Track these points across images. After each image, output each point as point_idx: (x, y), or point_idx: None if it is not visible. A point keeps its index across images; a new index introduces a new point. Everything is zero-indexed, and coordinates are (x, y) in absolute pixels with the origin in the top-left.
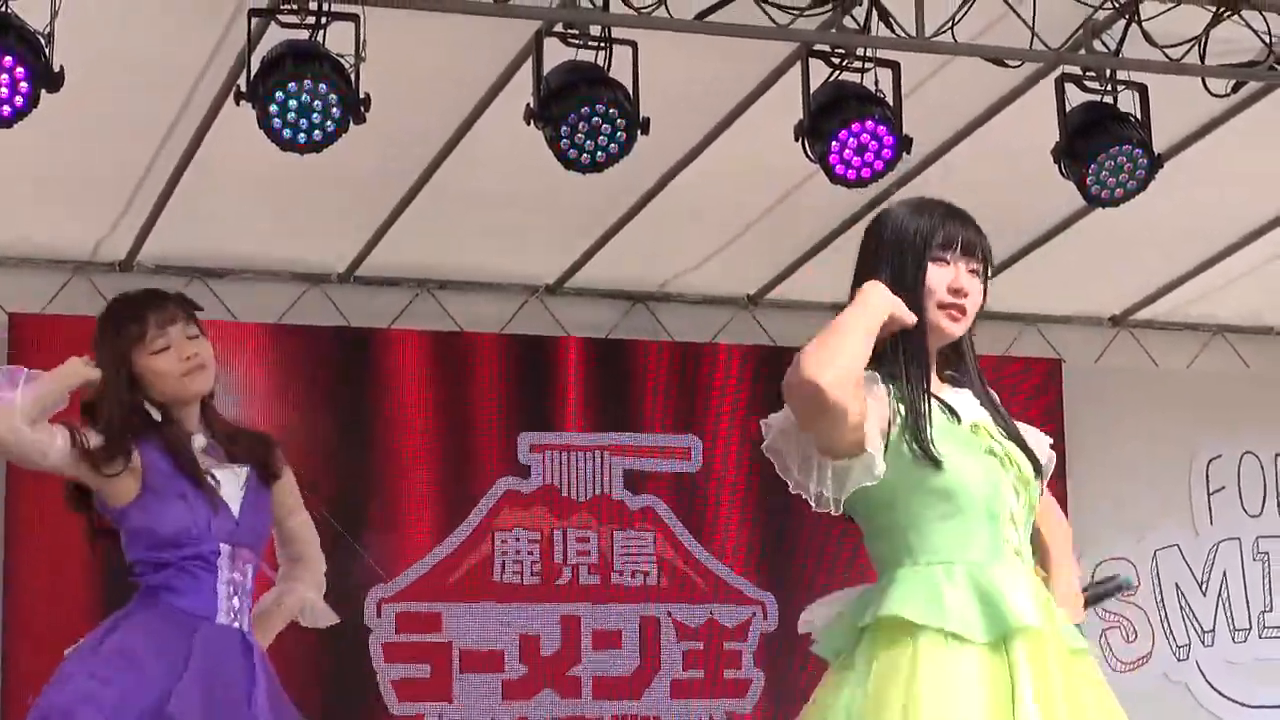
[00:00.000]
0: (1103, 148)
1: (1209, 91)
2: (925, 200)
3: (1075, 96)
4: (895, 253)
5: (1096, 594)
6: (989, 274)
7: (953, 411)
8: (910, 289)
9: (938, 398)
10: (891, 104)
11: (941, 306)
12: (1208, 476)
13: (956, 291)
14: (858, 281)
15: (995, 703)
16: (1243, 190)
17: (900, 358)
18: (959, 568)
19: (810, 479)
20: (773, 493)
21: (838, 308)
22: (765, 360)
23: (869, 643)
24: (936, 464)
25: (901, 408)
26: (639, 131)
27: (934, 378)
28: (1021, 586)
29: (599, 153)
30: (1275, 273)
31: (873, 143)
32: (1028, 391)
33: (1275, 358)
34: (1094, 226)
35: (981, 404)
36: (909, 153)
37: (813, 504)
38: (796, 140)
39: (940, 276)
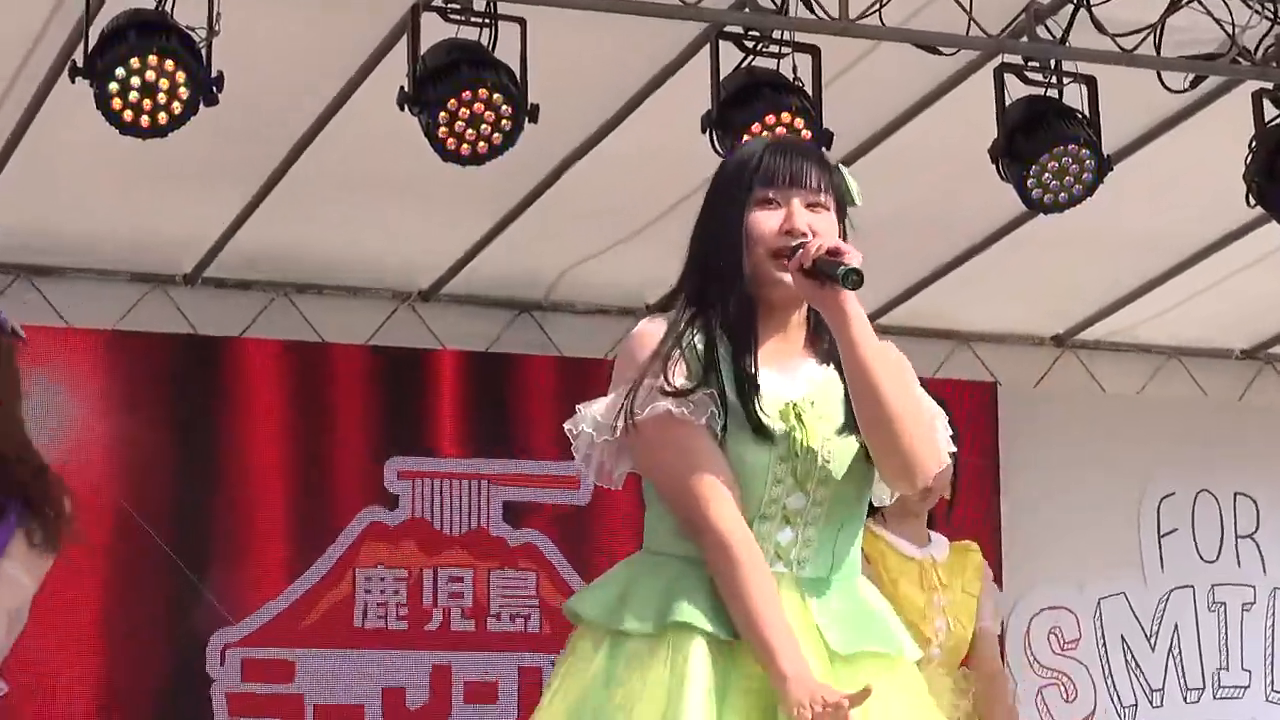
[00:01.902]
0: (1046, 147)
1: (1165, 86)
2: (757, 139)
3: (1016, 89)
4: (712, 205)
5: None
6: (844, 208)
7: (755, 387)
8: (731, 242)
9: (746, 366)
10: (810, 94)
11: (774, 254)
12: (1159, 517)
13: (790, 233)
14: (689, 262)
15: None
16: (1202, 197)
17: (717, 315)
18: (675, 563)
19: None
20: None
21: None
22: None
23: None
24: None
25: (696, 368)
26: (527, 119)
27: (787, 341)
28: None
29: (481, 142)
30: (1236, 289)
31: (793, 136)
32: (958, 418)
33: (1235, 384)
34: (1035, 235)
35: (830, 364)
36: (829, 148)
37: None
38: (704, 132)
39: (766, 220)
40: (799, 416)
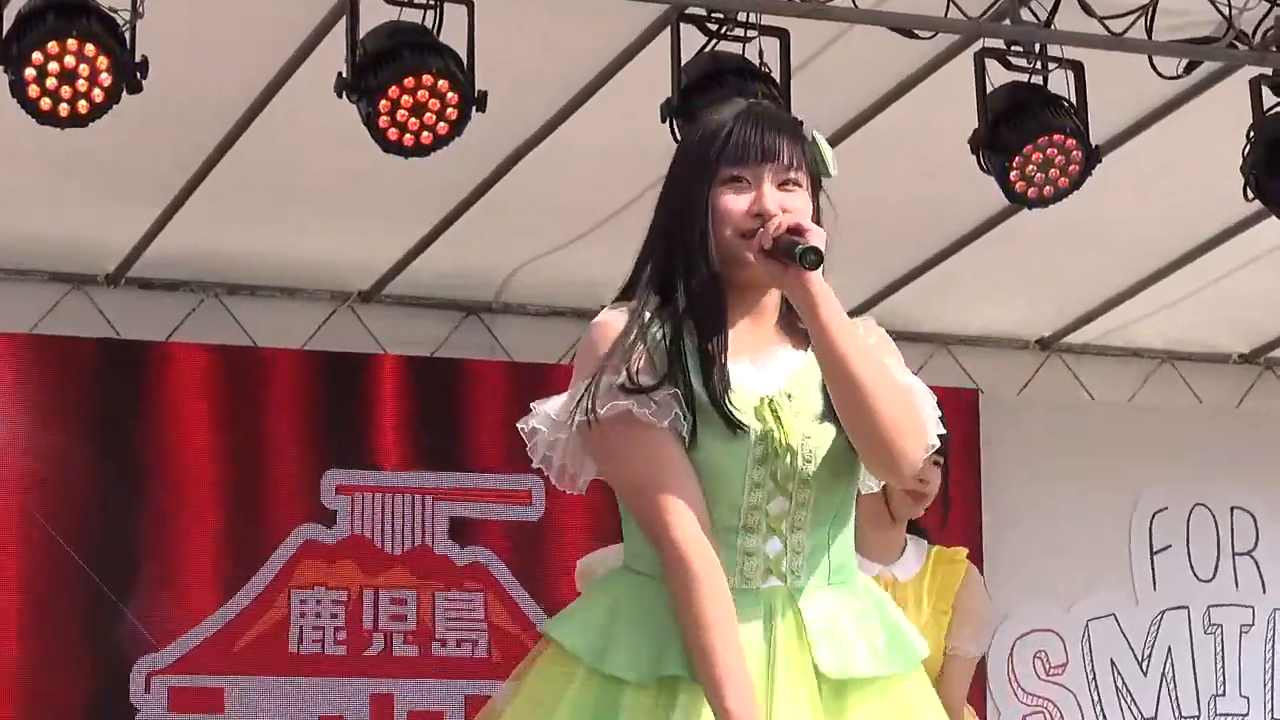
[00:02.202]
0: (1030, 137)
1: (1157, 72)
2: (722, 108)
3: (998, 75)
4: (677, 182)
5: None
6: (819, 182)
7: (726, 383)
8: (697, 224)
9: (715, 359)
10: (778, 80)
11: (744, 234)
12: (1151, 533)
13: (760, 215)
14: (651, 244)
15: None
16: (1197, 191)
17: (683, 302)
18: (663, 586)
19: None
20: None
21: None
22: None
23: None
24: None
25: (661, 362)
26: (474, 108)
27: (760, 327)
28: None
29: (425, 133)
30: (1234, 289)
31: None
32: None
33: (1232, 390)
34: (1019, 231)
35: (805, 349)
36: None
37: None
38: (664, 121)
39: (735, 201)
40: (776, 413)
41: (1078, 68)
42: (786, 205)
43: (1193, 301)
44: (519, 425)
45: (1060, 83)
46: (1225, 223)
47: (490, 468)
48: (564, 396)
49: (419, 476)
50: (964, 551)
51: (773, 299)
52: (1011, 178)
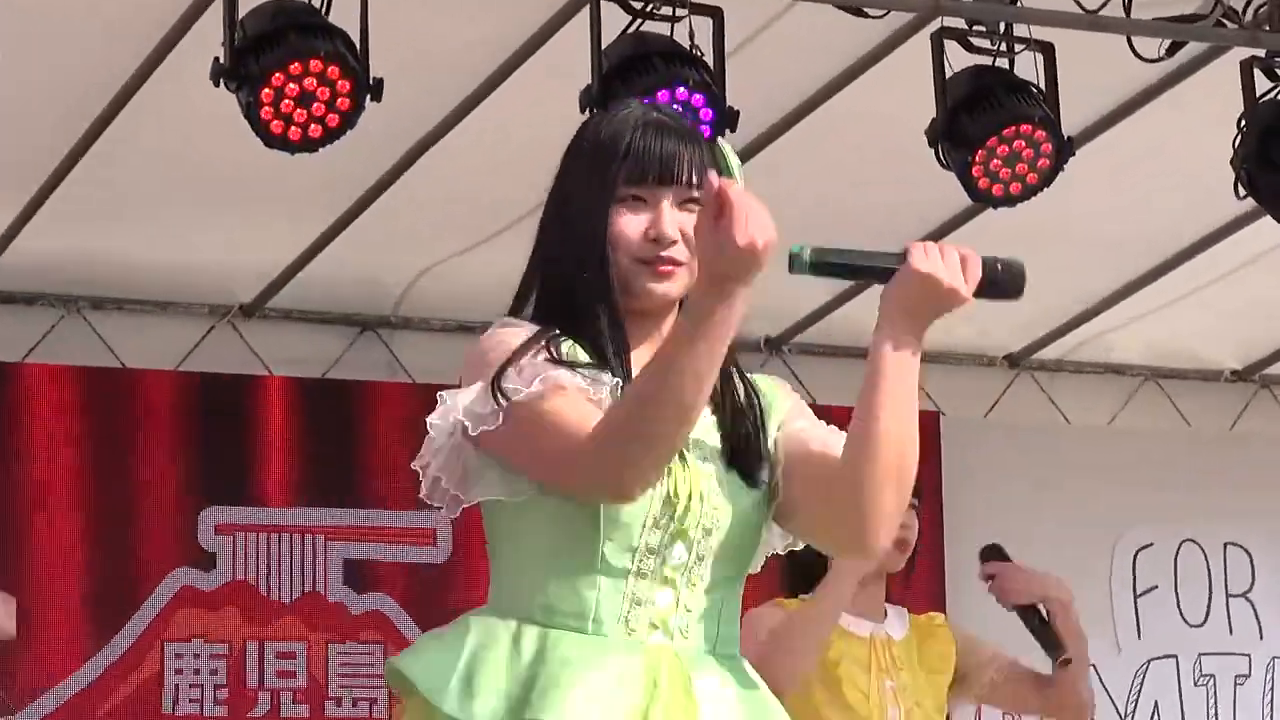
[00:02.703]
0: (994, 128)
1: (1136, 54)
2: (621, 108)
3: (958, 58)
4: (569, 198)
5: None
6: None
7: None
8: (595, 250)
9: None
10: (712, 65)
11: (642, 261)
12: (1134, 572)
13: (658, 240)
14: (543, 264)
15: None
16: (1182, 187)
17: (586, 333)
18: (532, 630)
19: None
20: None
21: None
22: None
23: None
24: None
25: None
26: (369, 97)
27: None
28: (604, 687)
29: (314, 125)
30: (1226, 297)
31: (686, 116)
32: None
33: (1225, 412)
34: (983, 233)
35: (713, 409)
36: (733, 129)
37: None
38: (584, 111)
39: (631, 225)
40: (681, 453)
41: (1048, 50)
42: (686, 227)
43: (1179, 311)
44: (430, 420)
45: (1028, 67)
46: (1215, 223)
47: (390, 503)
48: (475, 387)
49: (309, 513)
50: (940, 616)
51: (666, 328)
52: (974, 173)
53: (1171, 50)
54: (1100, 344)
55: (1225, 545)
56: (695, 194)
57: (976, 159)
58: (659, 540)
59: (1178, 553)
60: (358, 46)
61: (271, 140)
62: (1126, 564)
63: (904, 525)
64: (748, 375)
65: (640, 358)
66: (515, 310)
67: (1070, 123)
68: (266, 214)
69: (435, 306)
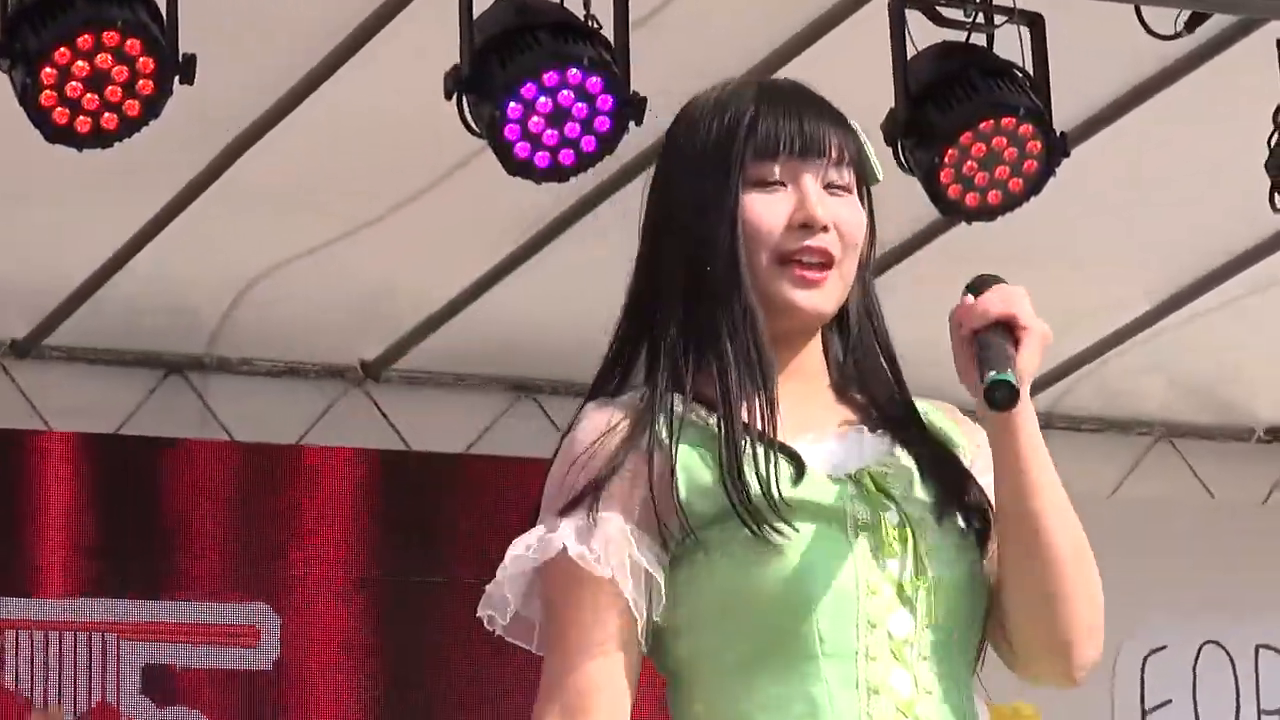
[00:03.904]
0: (968, 121)
1: (1147, 29)
2: (739, 83)
3: (924, 33)
4: (680, 191)
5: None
6: (867, 184)
7: (794, 458)
8: (715, 245)
9: (770, 439)
10: (613, 40)
11: (783, 260)
12: (1144, 683)
13: (807, 226)
14: (643, 265)
15: None
16: (1204, 197)
17: (713, 362)
18: None
19: None
20: None
21: (520, 385)
22: (391, 471)
23: None
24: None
25: (697, 457)
26: (177, 78)
27: (813, 393)
28: None
29: (107, 113)
30: (1257, 338)
31: (579, 105)
32: None
33: (1256, 480)
34: (953, 253)
35: (883, 430)
36: (639, 121)
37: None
38: (449, 97)
39: (769, 209)
40: (881, 487)
41: (1036, 23)
42: (840, 217)
43: (1201, 354)
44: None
45: (1011, 44)
46: (1246, 242)
47: (203, 593)
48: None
49: (99, 607)
50: (1029, 708)
51: (816, 347)
52: (943, 178)
53: (1191, 24)
54: (1102, 393)
55: (1257, 649)
56: (843, 175)
57: (946, 160)
58: (878, 607)
59: (1198, 658)
60: (164, 15)
61: (54, 132)
62: (1133, 672)
63: None
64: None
65: (789, 402)
66: (604, 376)
67: (1063, 115)
68: (45, 227)
69: (258, 344)
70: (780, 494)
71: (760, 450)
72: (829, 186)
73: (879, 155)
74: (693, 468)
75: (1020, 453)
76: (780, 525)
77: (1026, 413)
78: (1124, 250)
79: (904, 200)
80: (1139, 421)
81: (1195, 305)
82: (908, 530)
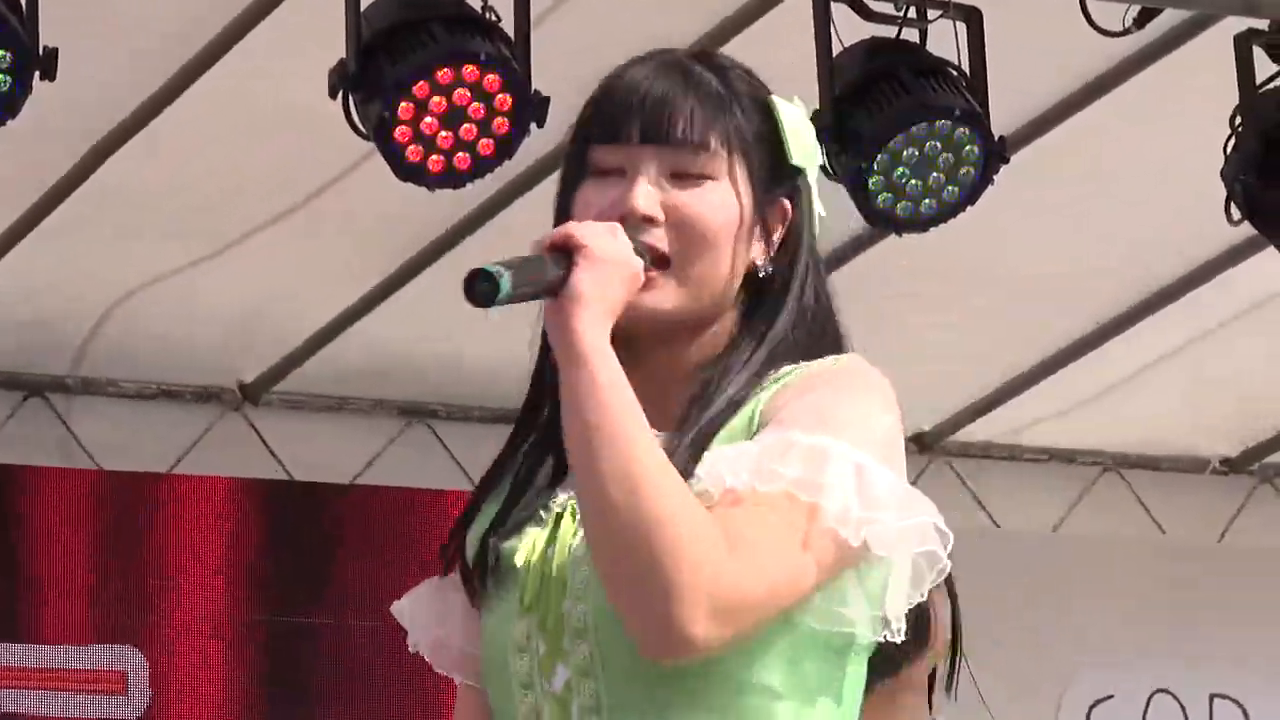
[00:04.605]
0: (898, 124)
1: (1093, 25)
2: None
3: (850, 29)
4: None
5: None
6: (745, 166)
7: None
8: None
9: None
10: (512, 34)
11: None
12: None
13: (625, 219)
14: None
15: None
16: (1154, 208)
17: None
18: None
19: None
20: None
21: (411, 410)
22: (271, 502)
23: None
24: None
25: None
26: (38, 73)
27: (666, 400)
28: None
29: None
30: (1212, 362)
31: (476, 105)
32: None
33: (1212, 515)
34: (883, 270)
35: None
36: (540, 122)
37: None
38: (334, 95)
39: (594, 200)
40: (556, 522)
41: (973, 17)
42: (682, 209)
43: (1151, 379)
44: None
45: (945, 40)
46: (1200, 257)
47: (64, 636)
48: None
49: None
50: None
51: (684, 351)
52: (871, 186)
53: (1141, 21)
54: (1042, 424)
55: (1211, 698)
56: (703, 160)
57: (874, 166)
58: (526, 666)
59: (1148, 708)
60: (23, 6)
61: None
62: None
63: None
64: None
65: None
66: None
67: (1002, 118)
68: None
69: (127, 363)
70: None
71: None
72: (677, 174)
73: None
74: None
75: (564, 372)
76: (481, 585)
77: (583, 332)
78: (1065, 267)
79: (831, 209)
80: (1083, 452)
81: (1142, 327)
82: (557, 560)
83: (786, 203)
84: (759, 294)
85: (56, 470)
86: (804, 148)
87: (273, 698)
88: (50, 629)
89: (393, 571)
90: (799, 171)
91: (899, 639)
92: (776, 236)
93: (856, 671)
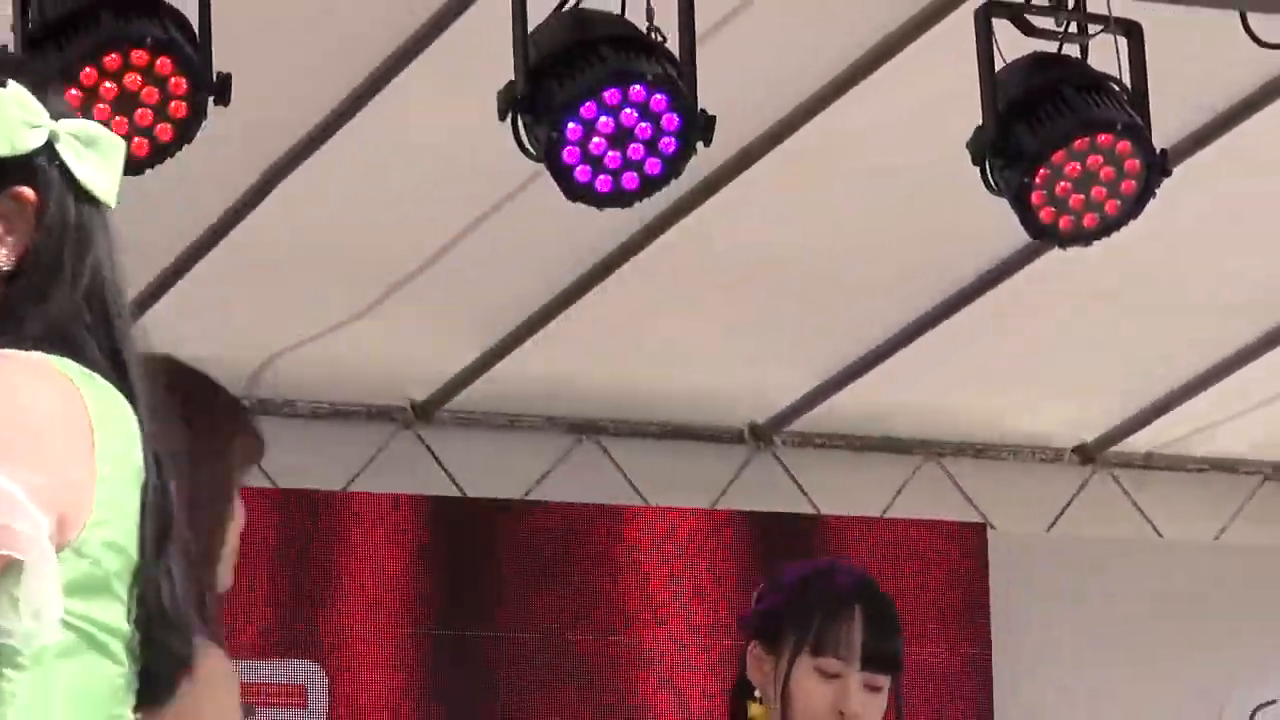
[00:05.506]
0: (1061, 139)
1: (1253, 38)
2: None
3: (1013, 44)
4: None
5: None
6: None
7: None
8: None
9: None
10: (678, 54)
11: None
12: None
13: None
14: None
15: None
16: None
17: None
18: None
19: None
20: None
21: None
22: (442, 517)
23: None
24: None
25: None
26: (212, 99)
27: None
28: None
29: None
30: None
31: (643, 124)
32: (932, 582)
33: None
34: (1047, 284)
35: None
36: (707, 142)
37: None
38: (503, 118)
39: None
40: None
41: (1134, 32)
42: None
43: None
44: None
45: (1107, 54)
46: None
47: (246, 648)
48: None
49: None
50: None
51: None
52: (1034, 200)
53: None
54: (1205, 435)
55: None
56: None
57: (1037, 181)
58: None
59: None
60: (196, 32)
61: None
62: None
63: (843, 712)
64: None
65: None
66: None
67: (1164, 131)
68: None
69: (303, 385)
70: None
71: None
72: None
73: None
74: None
75: None
76: None
77: None
78: (1227, 278)
79: (993, 223)
80: (1244, 462)
81: None
82: None
83: (27, 191)
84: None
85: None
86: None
87: (447, 713)
88: (232, 644)
89: (563, 587)
90: (25, 157)
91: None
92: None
93: None
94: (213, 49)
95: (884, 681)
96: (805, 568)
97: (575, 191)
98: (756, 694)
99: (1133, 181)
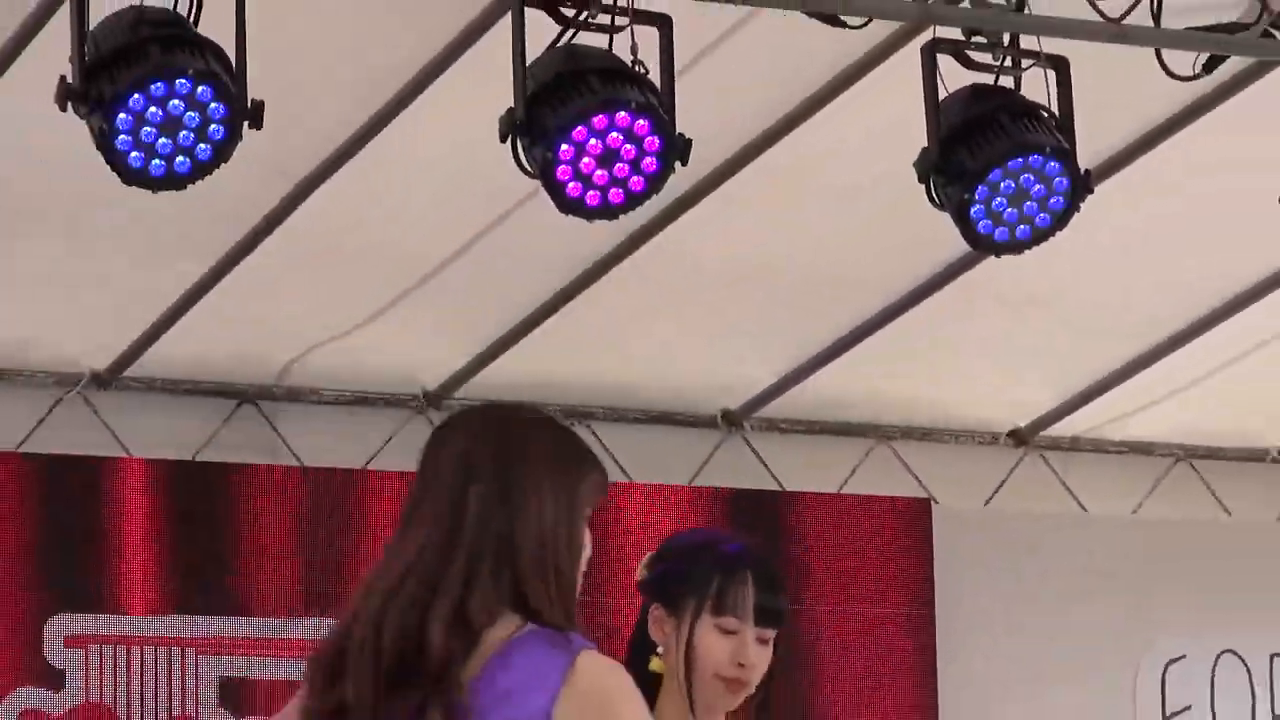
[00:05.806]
0: (998, 159)
1: (1167, 71)
2: None
3: (954, 76)
4: None
5: None
6: None
7: None
8: None
9: None
10: (659, 84)
11: None
12: (1164, 692)
13: None
14: None
15: None
16: (1223, 229)
17: None
18: None
19: None
20: None
21: (574, 412)
22: None
23: None
24: None
25: None
26: (247, 123)
27: None
28: None
29: (181, 158)
30: (1274, 363)
31: (628, 146)
32: (861, 547)
33: (1272, 497)
34: (983, 287)
35: None
36: (684, 161)
37: None
38: (504, 140)
39: None
40: None
41: (1061, 65)
42: None
43: (1219, 380)
44: None
45: (1036, 84)
46: (1263, 271)
47: (273, 609)
48: None
49: (177, 623)
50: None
51: None
52: (973, 214)
53: (1209, 66)
54: (1124, 420)
55: (1272, 657)
56: None
57: (976, 197)
58: None
59: (1215, 667)
60: (233, 63)
61: (130, 175)
62: (1154, 681)
63: (740, 662)
64: None
65: None
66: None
67: (1088, 154)
68: (126, 267)
69: (325, 375)
70: None
71: None
72: None
73: (915, 192)
74: None
75: None
76: None
77: None
78: (1144, 281)
79: (936, 235)
80: (1158, 445)
81: (1214, 333)
82: None
83: None
84: None
85: (265, 467)
86: None
87: None
88: (263, 601)
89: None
90: None
91: None
92: None
93: None
94: (247, 76)
95: (771, 635)
96: (695, 536)
97: (567, 205)
98: (659, 650)
99: (1060, 198)
